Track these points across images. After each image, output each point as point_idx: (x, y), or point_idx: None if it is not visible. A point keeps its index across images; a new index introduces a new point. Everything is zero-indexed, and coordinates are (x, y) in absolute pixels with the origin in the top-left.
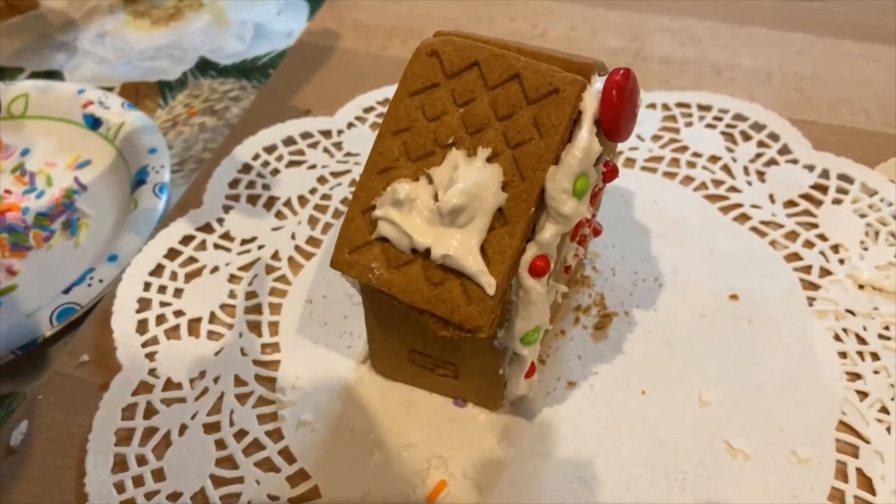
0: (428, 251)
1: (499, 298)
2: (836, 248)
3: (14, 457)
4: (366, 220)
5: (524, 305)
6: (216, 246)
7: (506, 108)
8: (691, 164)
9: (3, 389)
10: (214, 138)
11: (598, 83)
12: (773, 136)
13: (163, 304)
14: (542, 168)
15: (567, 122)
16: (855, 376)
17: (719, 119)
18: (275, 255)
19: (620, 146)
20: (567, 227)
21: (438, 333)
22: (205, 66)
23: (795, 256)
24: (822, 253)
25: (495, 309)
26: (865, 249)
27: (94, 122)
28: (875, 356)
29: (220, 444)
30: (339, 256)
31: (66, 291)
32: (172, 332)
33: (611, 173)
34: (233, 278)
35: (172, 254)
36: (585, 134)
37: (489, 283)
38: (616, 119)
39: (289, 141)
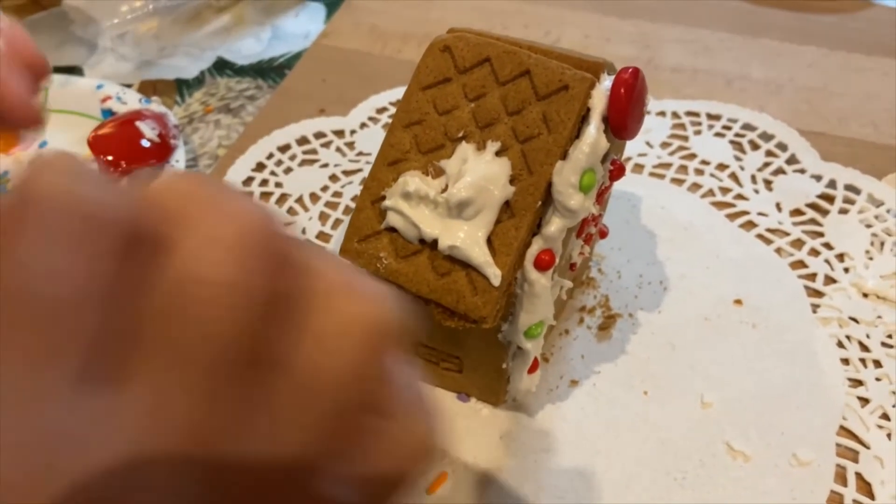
0: (435, 242)
1: (504, 290)
2: (841, 257)
3: None
4: (375, 210)
5: (528, 298)
6: None
7: (516, 104)
8: (699, 172)
9: None
10: (229, 136)
11: (606, 81)
12: (782, 146)
13: None
14: (549, 162)
15: (575, 118)
16: (857, 383)
17: (728, 128)
18: None
19: (630, 152)
20: (573, 222)
21: (444, 324)
22: (222, 66)
23: (801, 264)
24: (827, 261)
25: (500, 300)
26: (870, 259)
27: (111, 117)
28: (877, 363)
29: None
30: (348, 245)
31: None
32: None
33: (618, 171)
34: None
35: None
36: (593, 130)
37: (495, 275)
38: (624, 116)
39: (302, 140)
